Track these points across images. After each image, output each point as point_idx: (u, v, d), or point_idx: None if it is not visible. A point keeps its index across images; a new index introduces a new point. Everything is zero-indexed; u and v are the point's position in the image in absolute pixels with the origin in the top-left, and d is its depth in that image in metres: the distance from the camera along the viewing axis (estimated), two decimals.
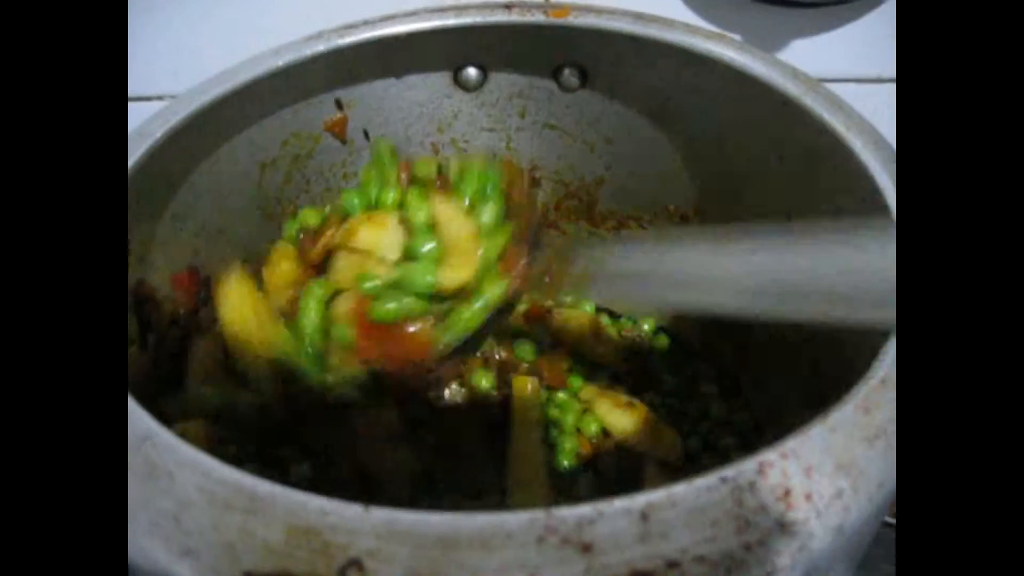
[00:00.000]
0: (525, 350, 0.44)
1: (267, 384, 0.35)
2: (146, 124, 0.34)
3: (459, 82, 0.42)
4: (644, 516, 0.20)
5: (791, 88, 0.34)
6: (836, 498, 0.20)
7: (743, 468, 0.21)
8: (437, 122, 0.44)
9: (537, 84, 0.42)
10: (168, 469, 0.21)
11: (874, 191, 0.30)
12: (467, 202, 0.35)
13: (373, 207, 0.37)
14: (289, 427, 0.37)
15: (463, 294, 0.34)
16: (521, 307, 0.46)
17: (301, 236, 0.38)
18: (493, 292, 0.34)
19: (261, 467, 0.37)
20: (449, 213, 0.35)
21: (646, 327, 0.48)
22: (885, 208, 0.29)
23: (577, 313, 0.46)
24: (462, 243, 0.34)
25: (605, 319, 0.48)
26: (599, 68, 0.41)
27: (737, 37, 0.45)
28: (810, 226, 0.25)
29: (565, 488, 0.38)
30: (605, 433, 0.41)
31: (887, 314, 0.21)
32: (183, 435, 0.22)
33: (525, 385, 0.41)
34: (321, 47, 0.38)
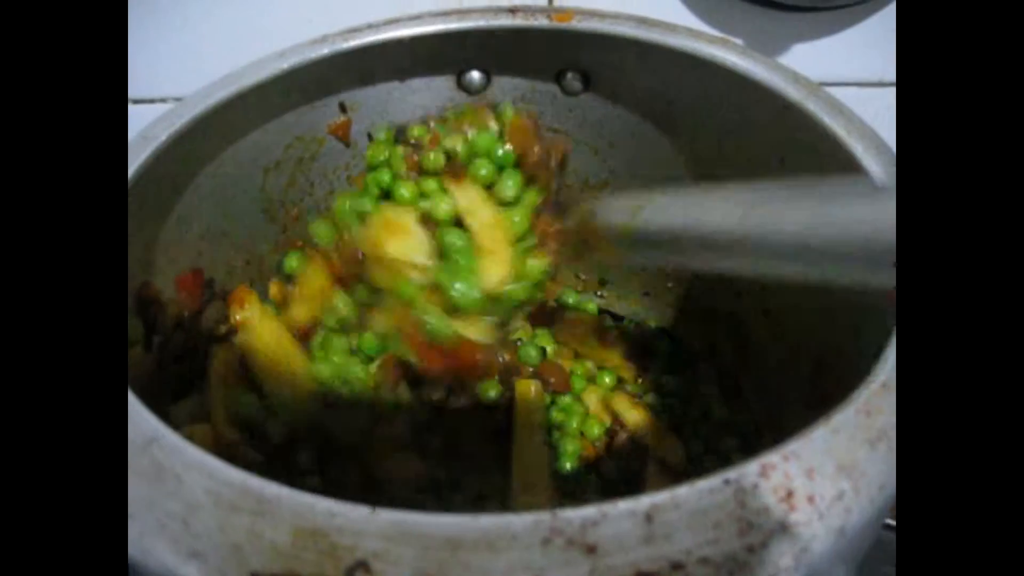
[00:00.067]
0: (529, 354, 0.44)
1: (294, 415, 0.35)
2: (150, 127, 0.34)
3: (462, 86, 0.42)
4: (648, 518, 0.20)
5: (792, 92, 0.34)
6: (838, 500, 0.21)
7: (745, 470, 0.21)
8: None
9: (540, 88, 0.42)
10: (175, 471, 0.21)
11: None
12: (484, 180, 0.35)
13: (385, 200, 0.37)
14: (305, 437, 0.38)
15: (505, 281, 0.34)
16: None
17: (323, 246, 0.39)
18: (534, 269, 0.34)
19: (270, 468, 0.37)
20: (471, 200, 0.35)
21: (651, 326, 0.48)
22: None
23: (580, 316, 0.46)
24: (491, 231, 0.34)
25: (608, 321, 0.48)
26: (602, 72, 0.41)
27: (739, 41, 0.46)
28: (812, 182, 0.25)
29: (568, 490, 0.39)
30: (609, 435, 0.42)
31: (886, 275, 0.21)
32: (190, 438, 0.22)
33: (529, 388, 0.42)
34: (325, 50, 0.38)
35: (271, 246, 0.44)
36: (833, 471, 0.21)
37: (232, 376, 0.37)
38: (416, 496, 0.36)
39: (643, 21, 0.38)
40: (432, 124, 0.39)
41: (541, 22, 0.38)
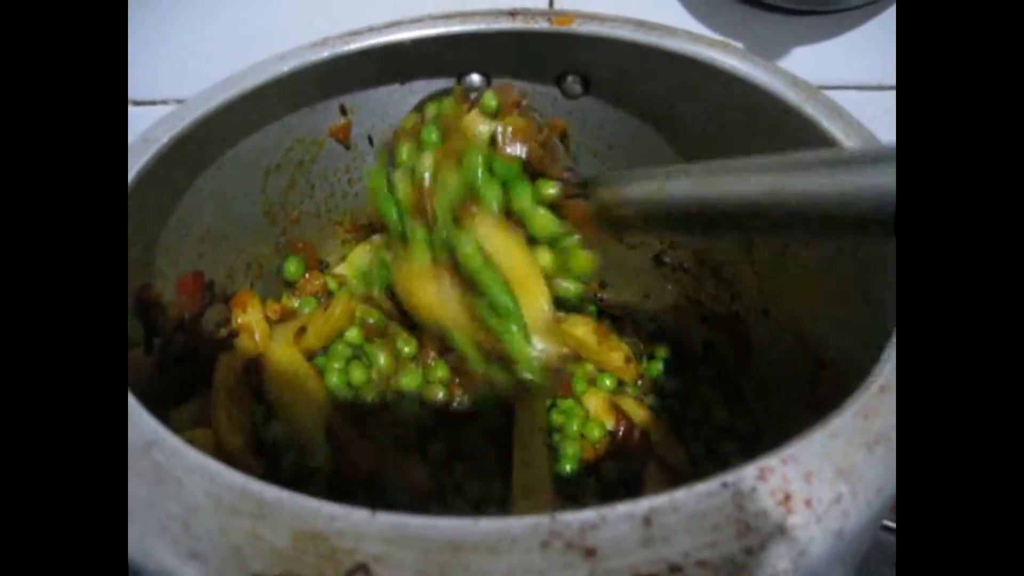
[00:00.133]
0: None
1: (314, 446, 0.36)
2: (151, 130, 0.34)
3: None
4: (647, 521, 0.20)
5: (792, 96, 0.34)
6: (835, 503, 0.21)
7: (743, 473, 0.21)
8: None
9: (540, 91, 0.42)
10: (176, 474, 0.22)
11: None
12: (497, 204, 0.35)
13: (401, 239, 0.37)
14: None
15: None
16: None
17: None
18: (583, 261, 0.35)
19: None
20: (495, 238, 0.35)
21: (651, 327, 0.48)
22: None
23: (580, 319, 0.46)
24: (523, 267, 0.34)
25: (608, 324, 0.48)
26: (602, 75, 0.41)
27: (739, 45, 0.46)
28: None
29: (568, 493, 0.39)
30: (611, 436, 0.42)
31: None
32: (191, 442, 0.22)
33: None
34: (326, 53, 0.38)
35: (271, 248, 0.44)
36: (831, 474, 0.21)
37: (236, 384, 0.37)
38: (419, 501, 0.36)
39: (643, 24, 0.38)
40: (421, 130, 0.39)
41: (541, 25, 0.39)
